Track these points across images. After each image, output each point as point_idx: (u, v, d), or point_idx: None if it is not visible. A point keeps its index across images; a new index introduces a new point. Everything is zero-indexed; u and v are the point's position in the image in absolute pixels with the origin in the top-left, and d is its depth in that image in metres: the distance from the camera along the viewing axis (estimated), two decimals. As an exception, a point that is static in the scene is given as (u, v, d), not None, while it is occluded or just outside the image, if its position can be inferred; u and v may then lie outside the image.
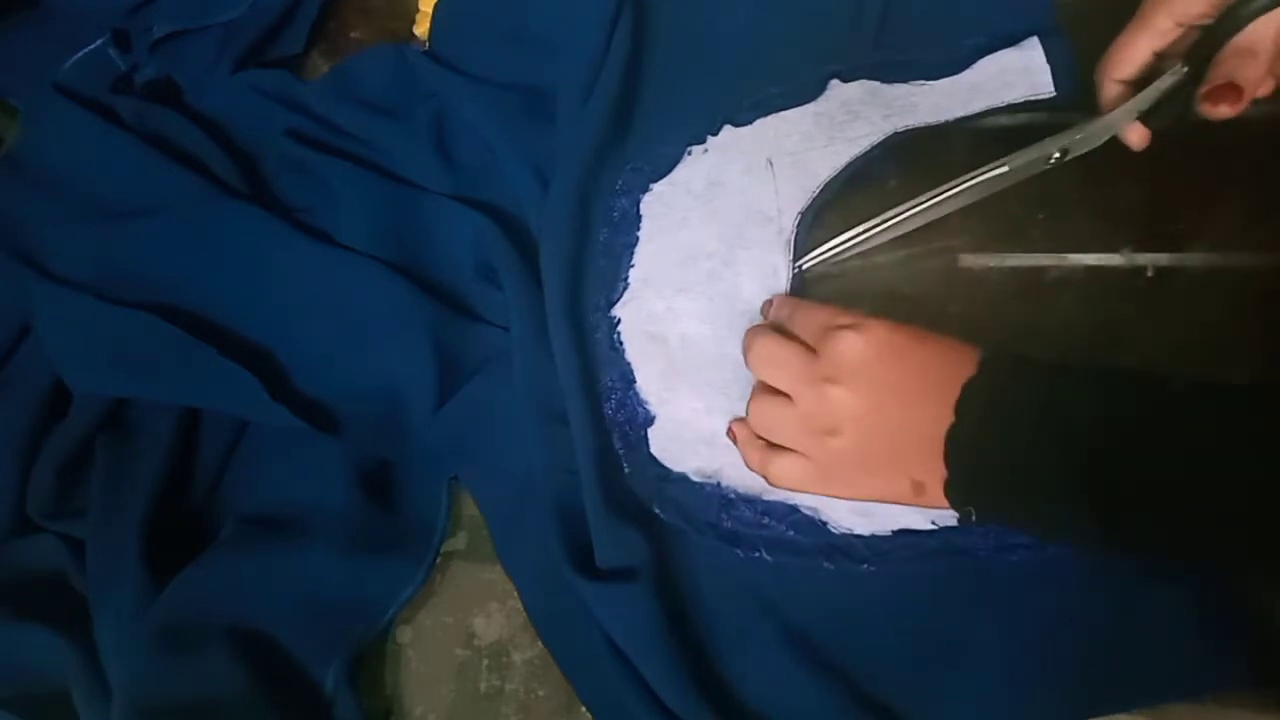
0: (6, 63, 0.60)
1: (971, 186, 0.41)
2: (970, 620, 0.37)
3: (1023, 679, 0.36)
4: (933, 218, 0.43)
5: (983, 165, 0.41)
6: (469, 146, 0.51)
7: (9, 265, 0.51)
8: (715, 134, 0.47)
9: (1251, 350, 0.39)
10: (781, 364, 0.38)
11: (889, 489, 0.36)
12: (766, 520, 0.40)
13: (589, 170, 0.47)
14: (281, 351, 0.47)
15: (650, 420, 0.43)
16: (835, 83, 0.46)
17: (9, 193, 0.55)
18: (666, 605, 0.38)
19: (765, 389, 0.38)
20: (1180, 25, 0.37)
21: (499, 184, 0.49)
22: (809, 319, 0.38)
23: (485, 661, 0.42)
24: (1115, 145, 0.42)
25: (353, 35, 0.58)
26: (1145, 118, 0.40)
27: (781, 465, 0.37)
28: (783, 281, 0.44)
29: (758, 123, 0.47)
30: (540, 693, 0.41)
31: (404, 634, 0.43)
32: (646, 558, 0.39)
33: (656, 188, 0.47)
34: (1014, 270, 0.43)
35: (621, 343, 0.44)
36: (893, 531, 0.39)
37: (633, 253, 0.46)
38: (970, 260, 0.44)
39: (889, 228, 0.43)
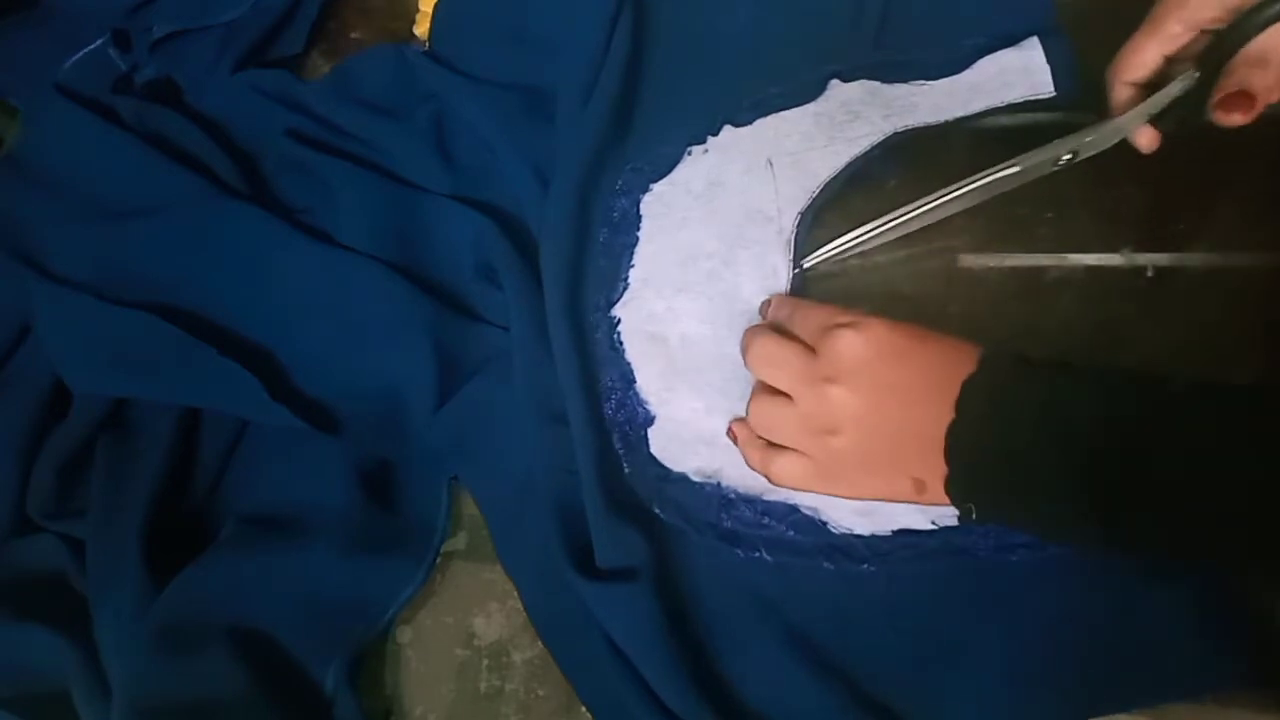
0: (6, 63, 0.60)
1: (979, 187, 0.41)
2: (970, 620, 0.37)
3: (1023, 679, 0.36)
4: (938, 218, 0.43)
5: (984, 165, 0.41)
6: (469, 146, 0.51)
7: (9, 265, 0.51)
8: (715, 134, 0.47)
9: (1251, 350, 0.39)
10: (781, 364, 0.38)
11: (890, 488, 0.36)
12: (766, 520, 0.40)
13: (589, 170, 0.47)
14: (281, 351, 0.47)
15: (650, 420, 0.43)
16: (835, 83, 0.46)
17: (9, 193, 0.55)
18: (666, 605, 0.38)
19: (765, 389, 0.38)
20: (1191, 30, 0.37)
21: (499, 184, 0.49)
22: (808, 318, 0.38)
23: (485, 661, 0.42)
24: (1117, 146, 0.42)
25: (353, 35, 0.58)
26: (1155, 121, 0.39)
27: (783, 465, 0.37)
28: (783, 281, 0.44)
29: (758, 123, 0.47)
30: (540, 693, 0.41)
31: (404, 634, 0.43)
32: (646, 558, 0.39)
33: (656, 188, 0.47)
34: (1014, 270, 0.43)
35: (621, 343, 0.44)
36: (893, 531, 0.39)
37: (633, 253, 0.46)
38: (970, 260, 0.44)
39: (893, 227, 0.43)
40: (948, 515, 0.39)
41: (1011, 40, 0.45)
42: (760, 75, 0.47)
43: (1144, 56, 0.38)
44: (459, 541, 0.44)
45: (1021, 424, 0.32)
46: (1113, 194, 0.43)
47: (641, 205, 0.47)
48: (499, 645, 0.42)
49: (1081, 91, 0.43)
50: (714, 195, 0.46)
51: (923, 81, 0.45)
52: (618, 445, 0.43)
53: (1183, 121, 0.39)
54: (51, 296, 0.48)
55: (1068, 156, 0.40)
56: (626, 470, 0.42)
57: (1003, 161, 0.41)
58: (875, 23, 0.47)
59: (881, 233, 0.43)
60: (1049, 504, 0.32)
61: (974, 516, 0.34)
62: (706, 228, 0.45)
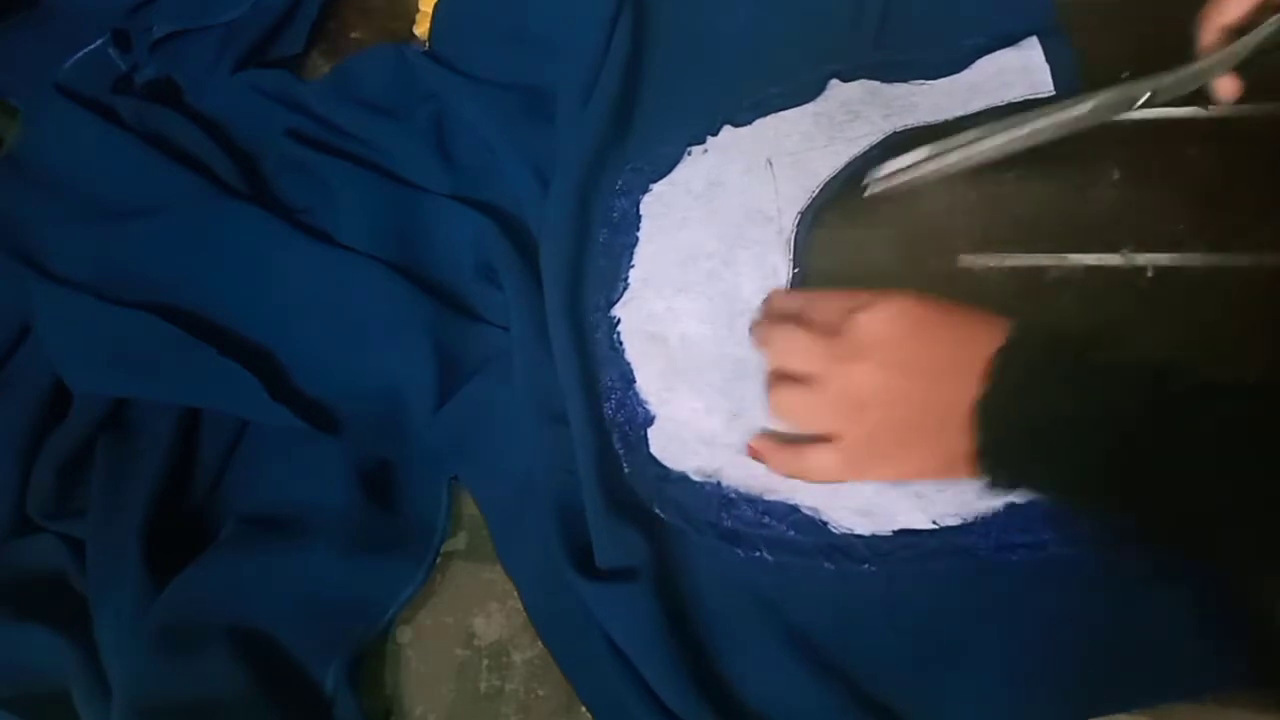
0: (6, 63, 0.60)
1: (1051, 123, 0.40)
2: (970, 620, 0.37)
3: (1023, 679, 0.36)
4: (1007, 152, 0.42)
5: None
6: (469, 146, 0.51)
7: (9, 265, 0.51)
8: (715, 134, 0.47)
9: (1251, 350, 0.39)
10: (805, 349, 0.38)
11: (927, 462, 0.36)
12: (767, 520, 0.40)
13: (589, 170, 0.47)
14: (281, 351, 0.47)
15: (650, 420, 0.43)
16: (835, 82, 0.46)
17: (9, 193, 0.55)
18: (666, 605, 0.38)
19: (782, 380, 0.38)
20: None
21: (499, 184, 0.50)
22: (826, 304, 0.38)
23: (485, 661, 0.42)
24: (1117, 146, 0.42)
25: (353, 35, 0.58)
26: (1240, 71, 0.38)
27: (817, 458, 0.37)
28: (783, 281, 0.44)
29: (757, 123, 0.47)
30: (540, 693, 0.41)
31: (404, 634, 0.43)
32: (646, 558, 0.39)
33: (656, 188, 0.47)
34: (1014, 270, 0.43)
35: (621, 343, 0.44)
36: (893, 532, 0.39)
37: (633, 253, 0.46)
38: (970, 260, 0.44)
39: (962, 157, 0.41)
40: (949, 515, 0.39)
41: (1011, 40, 0.45)
42: (760, 75, 0.47)
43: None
44: (459, 541, 0.44)
45: (1053, 397, 0.32)
46: (1109, 193, 0.43)
47: (641, 205, 0.47)
48: (499, 645, 0.42)
49: (1082, 91, 0.43)
50: (714, 195, 0.46)
51: (922, 81, 0.45)
52: (617, 445, 0.43)
53: (1268, 73, 0.38)
54: (51, 296, 0.48)
55: (1146, 96, 0.39)
56: (626, 470, 0.42)
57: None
58: (875, 23, 0.47)
59: (953, 160, 0.42)
60: (1075, 476, 0.32)
61: (1001, 486, 0.34)
62: (706, 228, 0.45)
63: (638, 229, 0.47)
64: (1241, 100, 0.38)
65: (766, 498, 0.41)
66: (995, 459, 0.34)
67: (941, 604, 0.38)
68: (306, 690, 0.40)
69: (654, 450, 0.42)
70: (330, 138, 0.52)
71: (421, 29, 0.56)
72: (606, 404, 0.44)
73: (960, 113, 0.44)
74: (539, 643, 0.41)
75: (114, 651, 0.41)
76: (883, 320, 0.36)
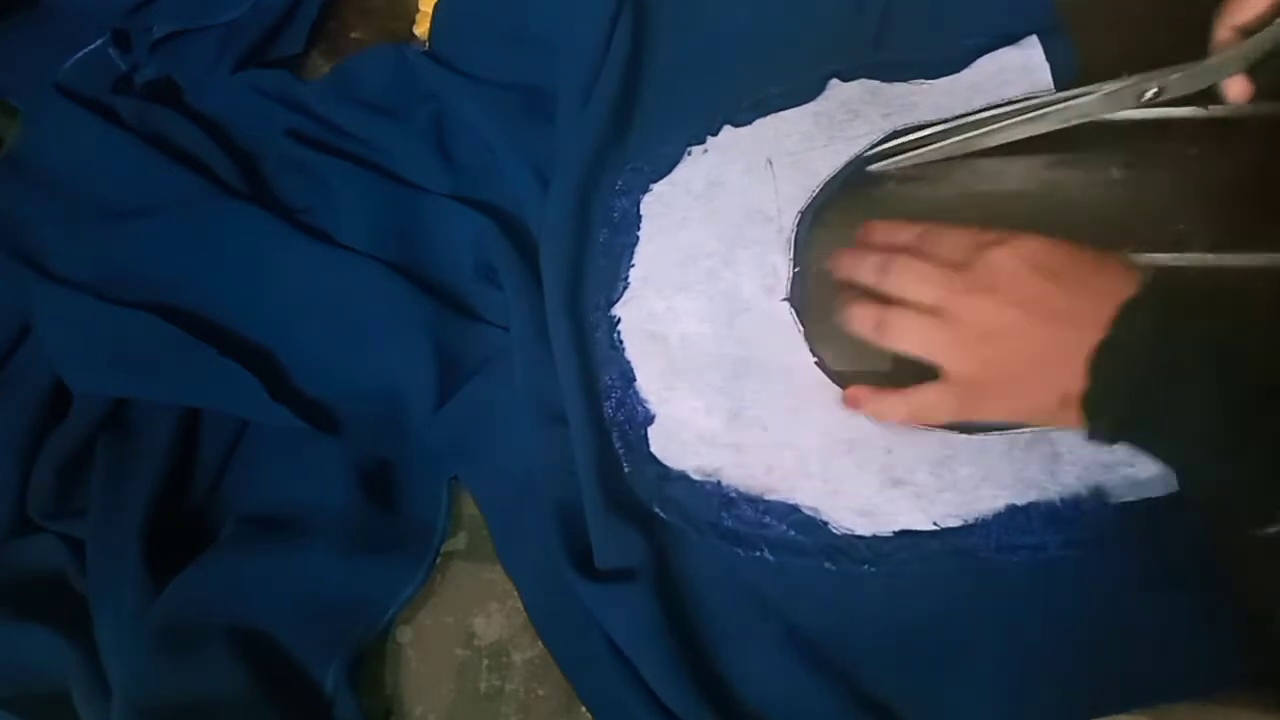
0: (6, 63, 0.60)
1: (1056, 111, 0.40)
2: (972, 621, 0.37)
3: (1023, 680, 0.36)
4: (1009, 138, 0.42)
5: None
6: (469, 146, 0.51)
7: (9, 265, 0.51)
8: (715, 134, 0.47)
9: (1251, 351, 0.39)
10: (934, 279, 0.37)
11: (1035, 402, 0.35)
12: (767, 519, 0.40)
13: (589, 170, 0.47)
14: (282, 351, 0.47)
15: (650, 419, 0.43)
16: (835, 82, 0.46)
17: (9, 193, 0.55)
18: (666, 605, 0.38)
19: (902, 307, 0.37)
20: None
21: (499, 184, 0.50)
22: (955, 238, 0.37)
23: (485, 661, 0.42)
24: (1117, 144, 0.42)
25: (353, 35, 0.58)
26: (1252, 73, 0.38)
27: (930, 395, 0.37)
28: (783, 280, 0.44)
29: (757, 123, 0.47)
30: (540, 693, 0.41)
31: (404, 634, 0.43)
32: (646, 558, 0.39)
33: (656, 188, 0.47)
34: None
35: (621, 341, 0.44)
36: (894, 532, 0.39)
37: (633, 252, 0.46)
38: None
39: (964, 140, 0.42)
40: (950, 516, 0.39)
41: (1011, 39, 0.45)
42: (760, 75, 0.47)
43: None
44: (459, 541, 0.44)
45: (1177, 351, 0.32)
46: (1109, 193, 0.43)
47: (641, 205, 0.47)
48: (499, 645, 0.42)
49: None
50: (714, 195, 0.46)
51: (922, 81, 0.45)
52: (617, 444, 0.43)
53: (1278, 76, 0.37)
54: (51, 296, 0.48)
55: (1153, 92, 0.39)
56: (626, 469, 0.42)
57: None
58: (875, 22, 0.47)
59: (951, 143, 0.42)
60: (1185, 435, 0.32)
61: (1102, 435, 0.34)
62: (706, 228, 0.45)
63: (638, 229, 0.47)
64: (1251, 102, 0.38)
65: (767, 497, 0.40)
66: (1106, 407, 0.33)
67: (942, 605, 0.38)
68: (306, 690, 0.40)
69: (654, 449, 0.42)
70: (330, 138, 0.52)
71: (421, 29, 0.56)
72: (606, 403, 0.44)
73: (960, 111, 0.44)
74: (539, 643, 0.41)
75: (114, 651, 0.41)
76: (1016, 258, 0.35)
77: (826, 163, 0.45)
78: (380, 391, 0.46)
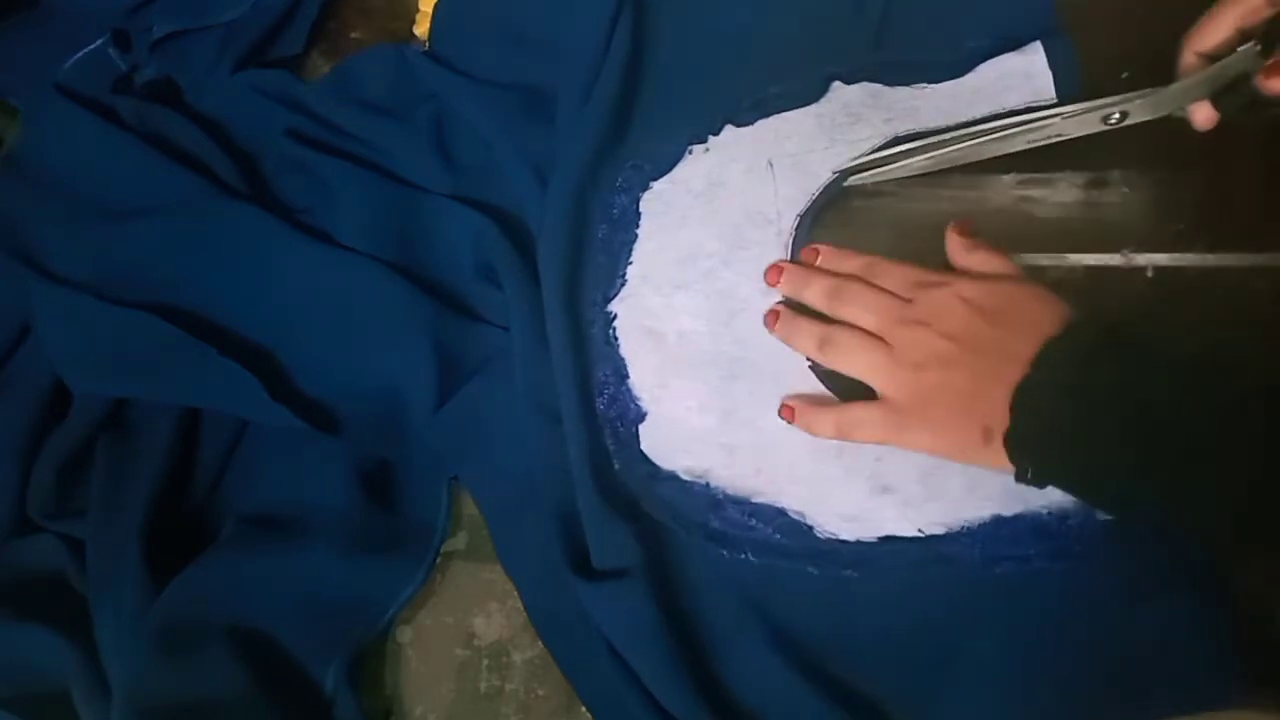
0: (6, 63, 0.60)
1: (1023, 131, 0.41)
2: (956, 630, 0.37)
3: (1010, 688, 0.36)
4: (979, 157, 0.43)
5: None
6: (469, 146, 0.51)
7: (9, 265, 0.51)
8: (717, 133, 0.47)
9: (1251, 351, 0.39)
10: (877, 306, 0.39)
11: (959, 434, 0.36)
12: (754, 522, 0.40)
13: (588, 167, 0.47)
14: (282, 351, 0.47)
15: (642, 417, 0.43)
16: (837, 85, 0.46)
17: (9, 193, 0.54)
18: (660, 605, 0.38)
19: (847, 330, 0.39)
20: (1274, 2, 0.36)
21: (499, 184, 0.49)
22: (903, 273, 0.40)
23: (485, 661, 0.42)
24: (1117, 145, 0.42)
25: (353, 35, 0.58)
26: (1216, 101, 0.39)
27: (862, 412, 0.38)
28: (782, 282, 0.44)
29: (759, 123, 0.47)
30: (540, 693, 0.41)
31: (404, 634, 0.43)
32: (638, 557, 0.39)
33: (657, 186, 0.47)
34: (1014, 271, 0.43)
35: (616, 338, 0.45)
36: (878, 538, 0.39)
37: (631, 250, 0.46)
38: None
39: (935, 158, 0.43)
40: (935, 524, 0.39)
41: (1013, 41, 0.45)
42: (760, 75, 0.47)
43: (1218, 24, 0.38)
44: (459, 541, 0.44)
45: (1094, 395, 0.33)
46: (1109, 193, 0.43)
47: (641, 203, 0.47)
48: (499, 645, 0.42)
49: (1084, 95, 0.42)
50: (714, 195, 0.46)
51: (924, 85, 0.45)
52: (609, 441, 0.43)
53: (1245, 108, 0.38)
54: (51, 296, 0.48)
55: (1116, 116, 0.40)
56: (616, 467, 0.42)
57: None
58: (875, 23, 0.47)
59: (924, 159, 0.43)
60: (1103, 476, 0.33)
61: (1028, 476, 0.35)
62: (706, 227, 0.45)
63: (637, 226, 0.47)
64: (1216, 128, 0.38)
65: (754, 500, 0.41)
66: (1025, 448, 0.34)
67: (926, 613, 0.38)
68: (306, 690, 0.40)
69: (645, 447, 0.43)
70: (330, 138, 0.52)
71: (421, 29, 0.56)
72: (599, 399, 0.44)
73: (962, 117, 0.44)
74: (539, 643, 0.41)
75: (114, 651, 0.41)
76: (954, 296, 0.37)
77: (827, 165, 0.45)
78: (380, 391, 0.46)
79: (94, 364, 0.47)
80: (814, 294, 0.41)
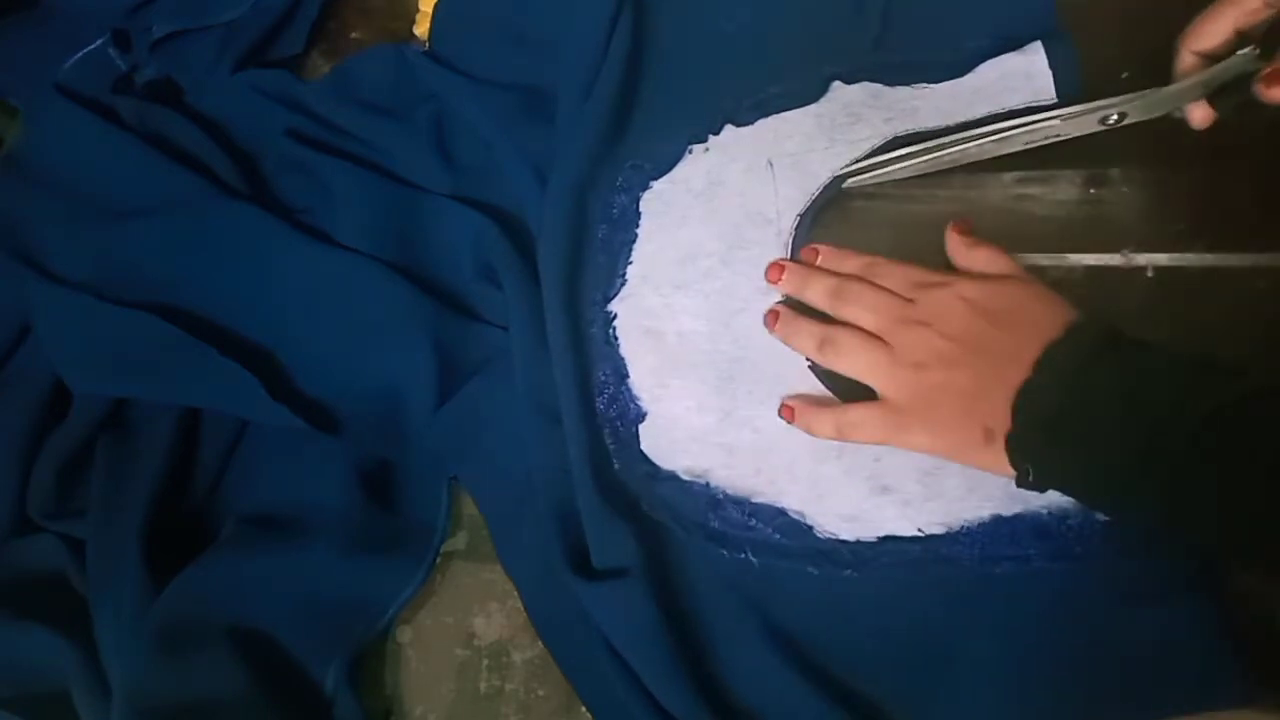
0: (6, 63, 0.60)
1: (1021, 134, 0.41)
2: (955, 629, 0.38)
3: (1009, 687, 0.36)
4: (978, 158, 0.43)
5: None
6: (469, 146, 0.51)
7: (9, 265, 0.51)
8: (717, 133, 0.47)
9: (1251, 351, 0.39)
10: (879, 306, 0.39)
11: (960, 435, 0.36)
12: (753, 522, 0.40)
13: (588, 166, 0.47)
14: (282, 351, 0.47)
15: (642, 416, 0.43)
16: (837, 85, 0.46)
17: (9, 193, 0.54)
18: (659, 605, 0.38)
19: (848, 330, 0.39)
20: (1271, 4, 0.36)
21: (499, 184, 0.49)
22: (904, 273, 0.40)
23: (485, 661, 0.42)
24: (1116, 144, 0.42)
25: (353, 35, 0.58)
26: (1213, 101, 0.39)
27: (861, 413, 0.38)
28: (782, 282, 0.44)
29: (759, 123, 0.47)
30: (540, 693, 0.41)
31: (404, 634, 0.43)
32: (638, 557, 0.39)
33: (657, 185, 0.47)
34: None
35: (616, 337, 0.45)
36: (878, 538, 0.39)
37: (631, 249, 0.46)
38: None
39: (933, 160, 0.43)
40: (935, 524, 0.39)
41: (1013, 41, 0.45)
42: (760, 74, 0.47)
43: (1215, 25, 0.37)
44: (459, 541, 0.44)
45: (1095, 397, 0.33)
46: (1109, 193, 0.43)
47: (641, 202, 0.47)
48: (499, 645, 0.42)
49: (1085, 96, 0.42)
50: (714, 194, 0.46)
51: (925, 85, 0.45)
52: (609, 441, 0.43)
53: (1241, 108, 0.38)
54: (51, 296, 0.48)
55: (1114, 118, 0.40)
56: (616, 466, 0.42)
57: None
58: (875, 23, 0.47)
59: (921, 162, 0.43)
60: (1104, 478, 0.33)
61: (1029, 479, 0.35)
62: (706, 227, 0.45)
63: (637, 226, 0.47)
64: (1215, 128, 0.38)
65: (754, 500, 0.41)
66: (1027, 450, 0.34)
67: (926, 613, 0.38)
68: (306, 690, 0.40)
69: (644, 447, 0.43)
70: (330, 138, 0.52)
71: (421, 29, 0.56)
72: (599, 399, 0.44)
73: (962, 118, 0.44)
74: (539, 643, 0.41)
75: (114, 651, 0.41)
76: (956, 297, 0.37)
77: (827, 165, 0.45)
78: (380, 391, 0.46)
79: (94, 364, 0.47)
80: (815, 293, 0.41)
